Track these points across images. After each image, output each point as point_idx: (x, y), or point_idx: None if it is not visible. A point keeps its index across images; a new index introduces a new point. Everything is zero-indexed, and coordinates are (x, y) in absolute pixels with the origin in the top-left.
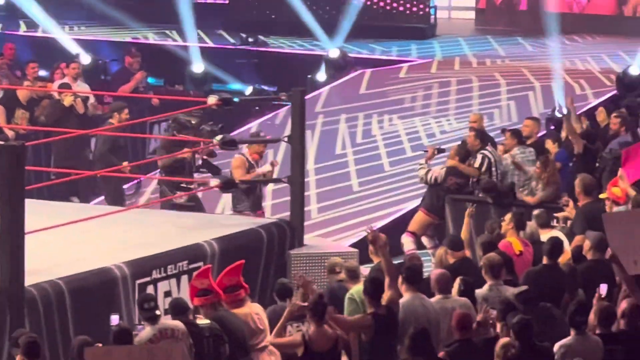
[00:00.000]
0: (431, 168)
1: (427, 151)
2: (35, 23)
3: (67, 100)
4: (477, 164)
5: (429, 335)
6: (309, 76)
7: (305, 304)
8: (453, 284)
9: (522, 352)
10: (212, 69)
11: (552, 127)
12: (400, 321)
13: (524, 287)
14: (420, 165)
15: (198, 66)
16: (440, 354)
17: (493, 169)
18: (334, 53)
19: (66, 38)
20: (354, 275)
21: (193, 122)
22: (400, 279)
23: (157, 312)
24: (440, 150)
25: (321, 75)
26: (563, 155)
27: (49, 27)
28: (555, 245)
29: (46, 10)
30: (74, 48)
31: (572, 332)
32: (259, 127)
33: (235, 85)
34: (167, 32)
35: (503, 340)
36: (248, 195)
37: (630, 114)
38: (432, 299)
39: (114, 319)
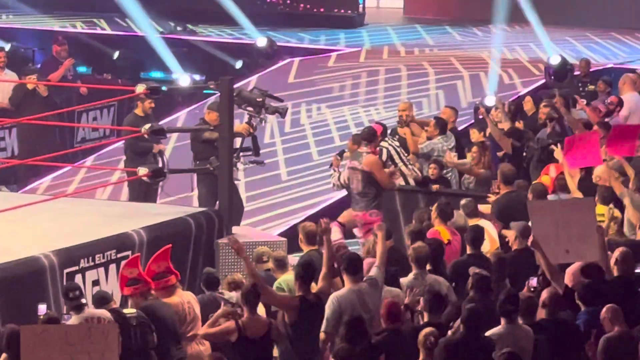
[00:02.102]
0: (340, 171)
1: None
2: None
3: (30, 84)
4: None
5: (364, 322)
6: (236, 65)
7: (235, 309)
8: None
9: (466, 341)
10: (143, 57)
11: (480, 117)
12: (336, 312)
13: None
14: (331, 174)
15: (115, 53)
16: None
17: (396, 157)
18: (261, 42)
19: None
20: (281, 265)
21: (258, 99)
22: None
23: (83, 301)
24: (341, 154)
25: (238, 64)
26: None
27: None
28: (477, 235)
29: None
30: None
31: (503, 321)
32: (187, 115)
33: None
34: (96, 20)
35: (426, 330)
36: (375, 198)
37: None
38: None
39: (42, 309)
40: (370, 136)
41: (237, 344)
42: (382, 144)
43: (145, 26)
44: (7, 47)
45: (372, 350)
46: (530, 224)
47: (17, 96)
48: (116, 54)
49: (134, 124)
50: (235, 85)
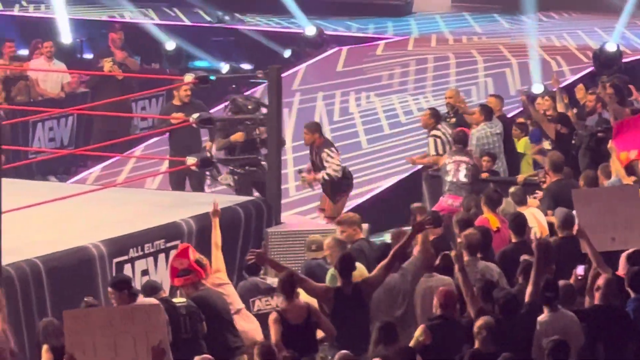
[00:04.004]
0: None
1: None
2: (10, 2)
3: (107, 66)
4: (432, 150)
5: (395, 327)
6: (284, 54)
7: None
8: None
9: (506, 326)
10: (189, 46)
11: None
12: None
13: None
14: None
15: (170, 44)
16: (422, 327)
17: (447, 147)
18: (310, 31)
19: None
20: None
21: (250, 106)
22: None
23: (134, 291)
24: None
25: (287, 53)
26: (536, 134)
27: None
28: (518, 223)
29: None
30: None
31: (545, 310)
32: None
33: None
34: (144, 10)
35: (482, 319)
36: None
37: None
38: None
39: None
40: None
41: (282, 333)
42: (436, 132)
43: (193, 15)
44: (69, 37)
45: (406, 353)
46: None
47: (93, 79)
48: (168, 44)
49: (168, 113)
50: (283, 75)
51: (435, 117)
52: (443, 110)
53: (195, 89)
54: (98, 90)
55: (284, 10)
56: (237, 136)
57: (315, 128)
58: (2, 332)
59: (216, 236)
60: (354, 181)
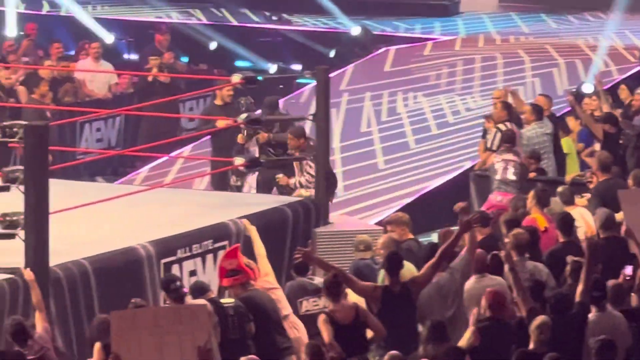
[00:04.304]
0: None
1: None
2: (57, 3)
3: (154, 65)
4: (489, 143)
5: (445, 326)
6: (331, 54)
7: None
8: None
9: (557, 325)
10: (236, 47)
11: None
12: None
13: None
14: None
15: (215, 44)
16: (471, 329)
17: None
18: (356, 31)
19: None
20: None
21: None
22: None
23: (184, 291)
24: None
25: (331, 53)
26: (584, 134)
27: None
28: (566, 222)
29: None
30: (97, 28)
31: (593, 309)
32: (285, 105)
33: (261, 64)
34: (191, 10)
35: (540, 319)
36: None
37: None
38: (469, 280)
39: None
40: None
41: (332, 332)
42: (500, 125)
43: (240, 16)
44: (109, 38)
45: (456, 353)
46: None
47: (140, 82)
48: (213, 45)
49: (211, 114)
50: (330, 75)
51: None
52: (490, 110)
53: (243, 90)
54: (145, 92)
55: (329, 10)
56: (262, 137)
57: (301, 133)
58: (45, 331)
59: (258, 247)
60: (402, 181)
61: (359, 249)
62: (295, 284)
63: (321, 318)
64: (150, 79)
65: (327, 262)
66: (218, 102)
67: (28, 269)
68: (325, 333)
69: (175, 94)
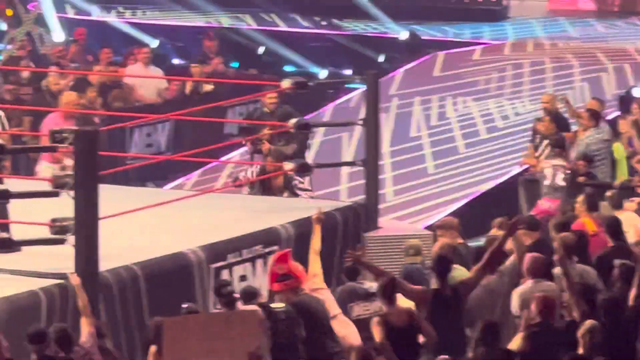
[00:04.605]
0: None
1: None
2: (107, 8)
3: (196, 73)
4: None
5: (498, 327)
6: (380, 59)
7: None
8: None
9: (609, 330)
10: (286, 52)
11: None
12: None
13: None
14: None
15: (263, 49)
16: (521, 334)
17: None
18: (403, 35)
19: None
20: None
21: None
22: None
23: (235, 296)
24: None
25: (381, 57)
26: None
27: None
28: (615, 227)
29: None
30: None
31: None
32: (333, 110)
33: (311, 69)
34: (240, 16)
35: (588, 322)
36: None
37: None
38: (524, 284)
39: None
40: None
41: (385, 336)
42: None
43: (290, 21)
44: (155, 43)
45: (506, 357)
46: None
47: (180, 89)
48: (261, 49)
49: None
50: (380, 80)
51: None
52: (539, 114)
53: (292, 95)
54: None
55: (379, 16)
56: (264, 147)
57: None
58: (90, 336)
59: (316, 242)
60: (451, 185)
61: (408, 254)
62: (346, 289)
63: (375, 320)
64: (188, 88)
65: (377, 266)
66: (267, 109)
67: (75, 273)
68: (377, 334)
69: (219, 100)
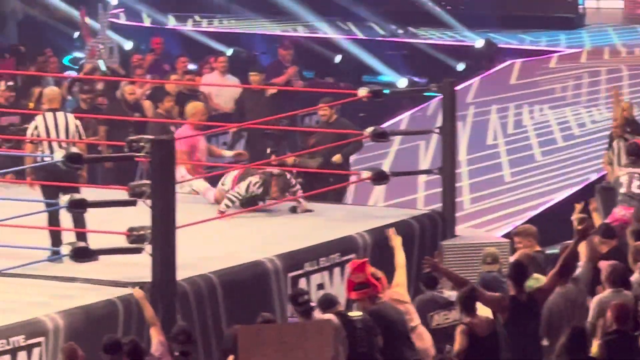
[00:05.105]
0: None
1: None
2: (184, 17)
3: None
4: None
5: (586, 333)
6: (458, 67)
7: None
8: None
9: None
10: (362, 60)
11: None
12: (544, 316)
13: None
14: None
15: (339, 57)
16: (597, 342)
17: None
18: (479, 44)
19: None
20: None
21: None
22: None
23: (312, 305)
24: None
25: (460, 66)
26: None
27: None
28: None
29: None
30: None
31: None
32: (410, 118)
33: (387, 77)
34: (317, 24)
35: None
36: None
37: None
38: (602, 292)
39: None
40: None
41: (469, 345)
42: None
43: (366, 30)
44: (229, 51)
45: None
46: None
47: (241, 96)
48: (338, 58)
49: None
50: (456, 88)
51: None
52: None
53: (369, 103)
54: (245, 105)
55: (455, 24)
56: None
57: None
58: (160, 344)
59: (399, 257)
60: (528, 193)
61: (486, 262)
62: (425, 298)
63: (460, 328)
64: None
65: (456, 273)
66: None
67: (137, 287)
68: (458, 343)
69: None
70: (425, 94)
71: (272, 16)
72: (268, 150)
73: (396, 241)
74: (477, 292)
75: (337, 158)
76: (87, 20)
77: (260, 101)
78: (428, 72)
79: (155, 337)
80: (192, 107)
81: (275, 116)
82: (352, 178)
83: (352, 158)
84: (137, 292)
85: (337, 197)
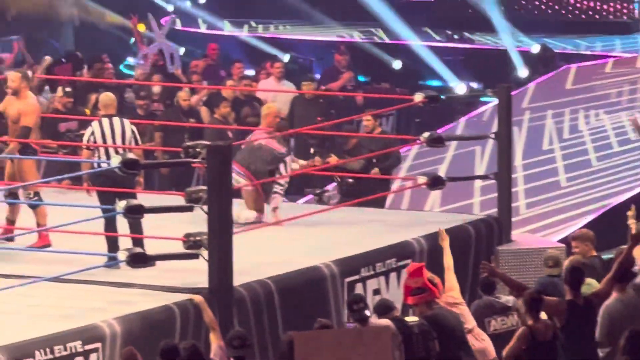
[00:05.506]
0: None
1: None
2: (240, 22)
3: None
4: None
5: None
6: (514, 72)
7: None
8: None
9: None
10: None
11: None
12: (604, 321)
13: None
14: None
15: (397, 63)
16: None
17: None
18: (535, 49)
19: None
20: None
21: None
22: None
23: (367, 313)
24: None
25: (523, 72)
26: None
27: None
28: None
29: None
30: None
31: None
32: (466, 124)
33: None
34: (373, 30)
35: None
36: None
37: None
38: None
39: None
40: None
41: (528, 348)
42: None
43: (422, 35)
44: (286, 57)
45: None
46: None
47: (293, 102)
48: (394, 63)
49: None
50: (513, 93)
51: None
52: None
53: (427, 108)
54: (295, 111)
55: (510, 29)
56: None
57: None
58: (219, 348)
59: (448, 259)
60: (584, 198)
61: (547, 265)
62: (482, 303)
63: (520, 331)
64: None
65: (513, 278)
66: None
67: (198, 295)
68: (512, 346)
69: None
70: (481, 99)
71: (328, 22)
72: (311, 151)
73: (445, 241)
74: (542, 297)
75: (374, 172)
76: (142, 27)
77: (310, 106)
78: (484, 77)
79: (215, 342)
80: (266, 107)
81: (321, 124)
82: (409, 183)
83: (407, 163)
84: (197, 297)
85: (378, 203)
